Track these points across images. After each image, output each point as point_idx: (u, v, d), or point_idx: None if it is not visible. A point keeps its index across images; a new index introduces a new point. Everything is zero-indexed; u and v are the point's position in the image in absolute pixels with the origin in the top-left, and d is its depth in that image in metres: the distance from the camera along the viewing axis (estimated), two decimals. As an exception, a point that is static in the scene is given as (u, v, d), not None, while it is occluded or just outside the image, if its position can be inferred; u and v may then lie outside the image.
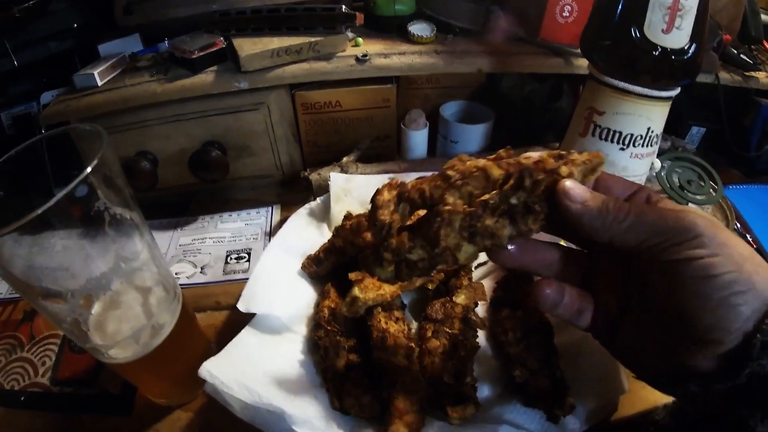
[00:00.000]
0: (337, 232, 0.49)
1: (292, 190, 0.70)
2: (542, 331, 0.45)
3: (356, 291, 0.44)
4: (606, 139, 0.53)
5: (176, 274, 0.59)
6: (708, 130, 0.79)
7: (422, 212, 0.34)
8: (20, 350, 0.51)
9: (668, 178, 0.65)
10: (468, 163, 0.33)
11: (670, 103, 0.53)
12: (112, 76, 0.65)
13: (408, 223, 0.34)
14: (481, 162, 0.33)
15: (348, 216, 0.49)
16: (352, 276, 0.46)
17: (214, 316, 0.54)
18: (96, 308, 0.37)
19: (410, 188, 0.34)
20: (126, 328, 0.39)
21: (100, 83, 0.63)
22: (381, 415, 0.40)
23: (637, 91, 0.50)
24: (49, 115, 0.62)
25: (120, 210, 0.36)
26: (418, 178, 0.34)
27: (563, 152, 0.32)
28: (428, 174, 0.38)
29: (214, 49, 0.63)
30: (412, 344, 0.43)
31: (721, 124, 0.75)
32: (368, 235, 0.47)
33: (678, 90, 0.52)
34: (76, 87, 0.63)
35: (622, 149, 0.54)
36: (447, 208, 0.32)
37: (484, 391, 0.44)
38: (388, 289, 0.45)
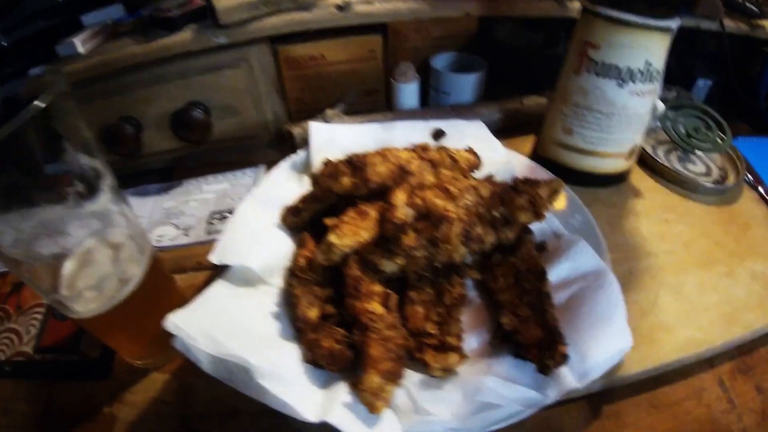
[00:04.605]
0: (315, 179, 0.47)
1: (281, 150, 0.67)
2: (535, 276, 0.42)
3: (332, 237, 0.42)
4: (602, 75, 0.50)
5: (159, 236, 0.57)
6: (715, 83, 0.75)
7: None
8: (7, 321, 0.51)
9: (674, 127, 0.61)
10: (463, 181, 0.44)
11: (670, 35, 0.49)
12: (94, 43, 0.64)
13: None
14: (474, 181, 0.44)
15: (326, 162, 0.47)
16: (328, 221, 0.43)
17: (196, 276, 0.53)
18: (66, 263, 0.36)
19: (416, 194, 0.42)
20: (90, 279, 0.37)
21: (82, 50, 0.62)
22: (356, 367, 0.37)
23: (633, 21, 0.47)
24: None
25: (85, 160, 0.35)
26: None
27: (530, 178, 0.44)
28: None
29: (193, 7, 0.61)
30: (390, 291, 0.40)
31: (728, 76, 0.70)
32: (345, 181, 0.45)
33: (677, 21, 0.48)
34: (59, 57, 0.62)
35: (620, 85, 0.50)
36: (451, 215, 0.40)
37: (472, 343, 0.41)
38: (365, 235, 0.42)
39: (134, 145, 0.63)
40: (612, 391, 0.41)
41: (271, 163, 0.65)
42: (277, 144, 0.68)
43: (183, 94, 0.63)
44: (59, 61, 0.61)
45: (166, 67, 0.61)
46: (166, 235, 0.58)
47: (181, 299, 0.47)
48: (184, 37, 0.59)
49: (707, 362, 0.44)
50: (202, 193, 0.63)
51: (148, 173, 0.68)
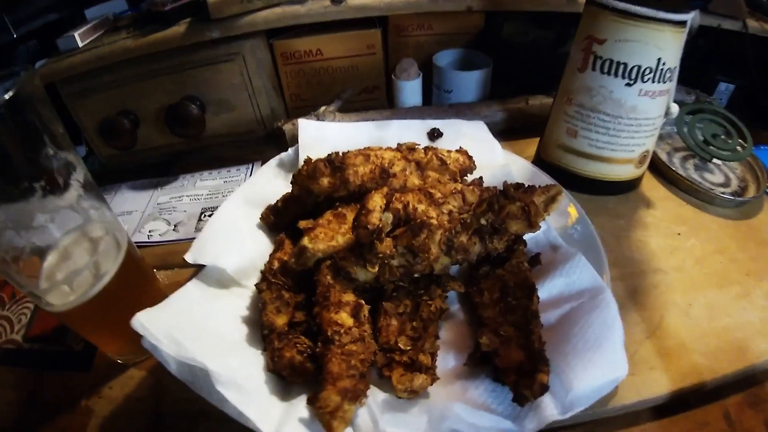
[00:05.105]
0: (294, 179, 0.45)
1: (277, 147, 0.66)
2: (523, 292, 0.39)
3: (306, 241, 0.40)
4: (608, 73, 0.46)
5: (150, 231, 0.57)
6: (737, 87, 0.69)
7: None
8: (1, 309, 0.52)
9: (690, 132, 0.56)
10: (448, 185, 0.41)
11: (684, 30, 0.44)
12: (93, 37, 0.64)
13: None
14: (459, 186, 0.42)
15: (307, 161, 0.45)
16: (303, 224, 0.41)
17: (181, 273, 0.52)
18: (47, 257, 0.36)
19: (396, 198, 0.39)
20: (64, 272, 0.37)
21: (80, 44, 0.62)
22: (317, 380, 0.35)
23: (642, 13, 0.43)
24: (31, 79, 0.62)
25: (57, 154, 0.34)
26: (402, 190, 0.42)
27: (524, 183, 0.41)
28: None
29: (187, 1, 0.60)
30: (362, 301, 0.38)
31: (751, 80, 0.64)
32: (324, 181, 0.43)
33: (691, 14, 0.44)
34: (59, 50, 0.62)
35: (629, 84, 0.46)
36: (432, 221, 0.37)
37: (449, 362, 0.39)
38: (341, 240, 0.40)
39: (130, 138, 0.62)
40: (604, 422, 0.38)
41: (266, 160, 0.64)
42: (274, 140, 0.67)
43: (178, 88, 0.62)
44: (59, 54, 0.62)
45: (161, 61, 0.60)
46: (157, 230, 0.57)
47: (161, 296, 0.46)
48: (177, 31, 0.58)
49: (713, 393, 0.39)
50: (195, 189, 0.62)
51: (147, 167, 0.68)
